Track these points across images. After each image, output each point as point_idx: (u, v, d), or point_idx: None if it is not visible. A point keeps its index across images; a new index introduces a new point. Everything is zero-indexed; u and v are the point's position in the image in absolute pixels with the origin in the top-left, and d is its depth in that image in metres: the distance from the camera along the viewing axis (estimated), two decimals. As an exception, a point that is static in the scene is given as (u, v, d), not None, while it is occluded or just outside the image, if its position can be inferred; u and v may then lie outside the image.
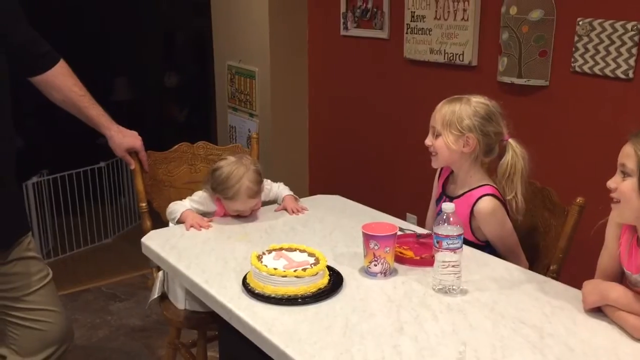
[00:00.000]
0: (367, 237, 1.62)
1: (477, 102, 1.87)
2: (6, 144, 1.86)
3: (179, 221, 2.06)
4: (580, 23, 2.29)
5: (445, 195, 1.99)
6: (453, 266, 1.53)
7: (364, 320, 1.42)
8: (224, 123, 4.19)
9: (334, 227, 2.02)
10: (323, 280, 1.57)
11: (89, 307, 3.44)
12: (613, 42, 2.19)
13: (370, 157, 3.42)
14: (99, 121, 2.15)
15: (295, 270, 1.53)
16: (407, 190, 3.16)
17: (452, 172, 1.99)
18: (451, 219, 1.53)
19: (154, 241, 1.93)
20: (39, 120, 5.34)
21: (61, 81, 2.04)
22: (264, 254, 1.63)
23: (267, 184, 2.20)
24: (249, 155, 2.30)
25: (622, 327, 1.38)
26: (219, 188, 2.04)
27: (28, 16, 1.92)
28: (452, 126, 1.85)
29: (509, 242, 1.89)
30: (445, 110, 1.87)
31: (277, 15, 3.57)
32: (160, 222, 2.24)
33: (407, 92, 3.09)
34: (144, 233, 2.06)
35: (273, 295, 1.51)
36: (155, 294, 2.18)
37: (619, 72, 2.20)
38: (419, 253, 1.76)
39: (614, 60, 2.21)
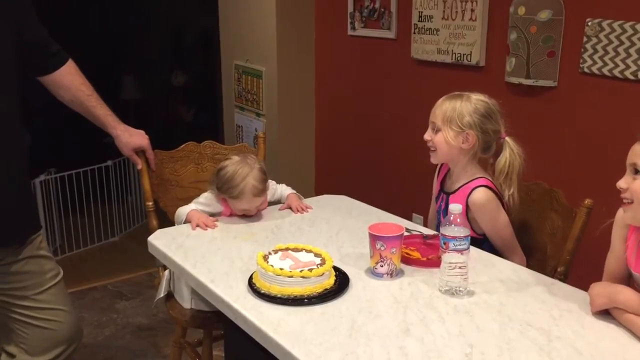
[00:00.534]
0: (374, 238, 1.62)
1: (477, 100, 1.89)
2: (17, 141, 1.86)
3: (186, 221, 2.06)
4: (589, 24, 2.27)
5: (443, 192, 2.01)
6: (460, 267, 1.53)
7: (370, 321, 1.42)
8: (231, 122, 4.20)
9: (340, 228, 2.02)
10: (329, 281, 1.56)
11: (95, 305, 3.45)
12: (622, 43, 2.18)
13: (376, 157, 3.41)
14: (105, 121, 2.16)
15: (301, 271, 1.52)
16: (413, 190, 3.15)
17: (449, 169, 2.01)
18: (458, 220, 1.53)
19: (160, 240, 1.93)
20: (46, 118, 5.36)
21: (69, 81, 2.05)
22: (270, 254, 1.62)
23: (272, 184, 2.20)
24: (256, 154, 2.30)
25: (630, 330, 1.37)
26: (224, 187, 2.04)
27: (37, 15, 1.93)
28: (453, 122, 1.87)
29: (504, 234, 1.90)
30: (446, 107, 1.89)
31: (284, 15, 3.57)
32: (166, 221, 2.24)
33: (414, 93, 3.08)
34: (150, 232, 2.06)
35: (279, 296, 1.51)
36: (162, 292, 2.18)
37: (627, 73, 2.18)
38: (425, 254, 1.76)
39: (622, 61, 2.19)
